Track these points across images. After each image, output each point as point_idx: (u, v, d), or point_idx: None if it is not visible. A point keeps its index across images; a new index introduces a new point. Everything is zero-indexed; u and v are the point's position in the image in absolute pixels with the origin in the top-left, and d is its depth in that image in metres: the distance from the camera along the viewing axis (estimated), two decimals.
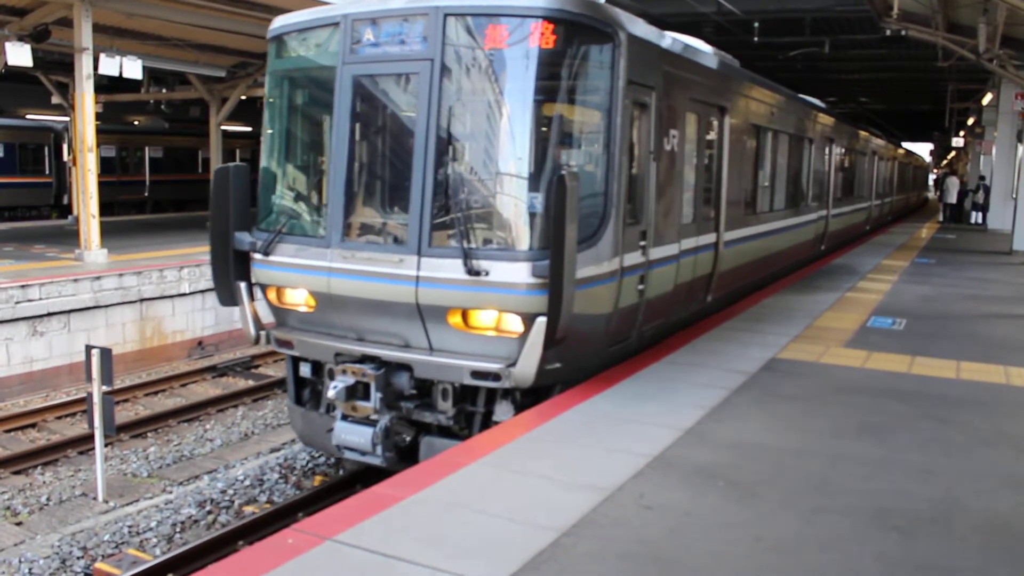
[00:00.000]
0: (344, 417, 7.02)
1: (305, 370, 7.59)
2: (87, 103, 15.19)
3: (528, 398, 6.73)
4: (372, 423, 6.86)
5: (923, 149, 63.77)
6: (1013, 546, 4.36)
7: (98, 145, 16.99)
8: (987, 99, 29.02)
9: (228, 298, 7.60)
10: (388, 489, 4.85)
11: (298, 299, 7.37)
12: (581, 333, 6.66)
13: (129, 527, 7.84)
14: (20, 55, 15.10)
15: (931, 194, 57.46)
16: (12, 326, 12.39)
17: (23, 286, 12.56)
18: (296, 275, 7.18)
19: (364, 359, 6.90)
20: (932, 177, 62.10)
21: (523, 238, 6.46)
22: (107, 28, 17.37)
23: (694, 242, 8.95)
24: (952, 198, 32.70)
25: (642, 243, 7.47)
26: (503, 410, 6.76)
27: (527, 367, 6.28)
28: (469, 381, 6.53)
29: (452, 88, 6.55)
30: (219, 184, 7.37)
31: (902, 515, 4.68)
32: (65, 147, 28.40)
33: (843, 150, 18.80)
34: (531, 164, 6.48)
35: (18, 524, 8.16)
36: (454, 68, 6.54)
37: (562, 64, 6.58)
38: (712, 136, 9.69)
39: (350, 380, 6.80)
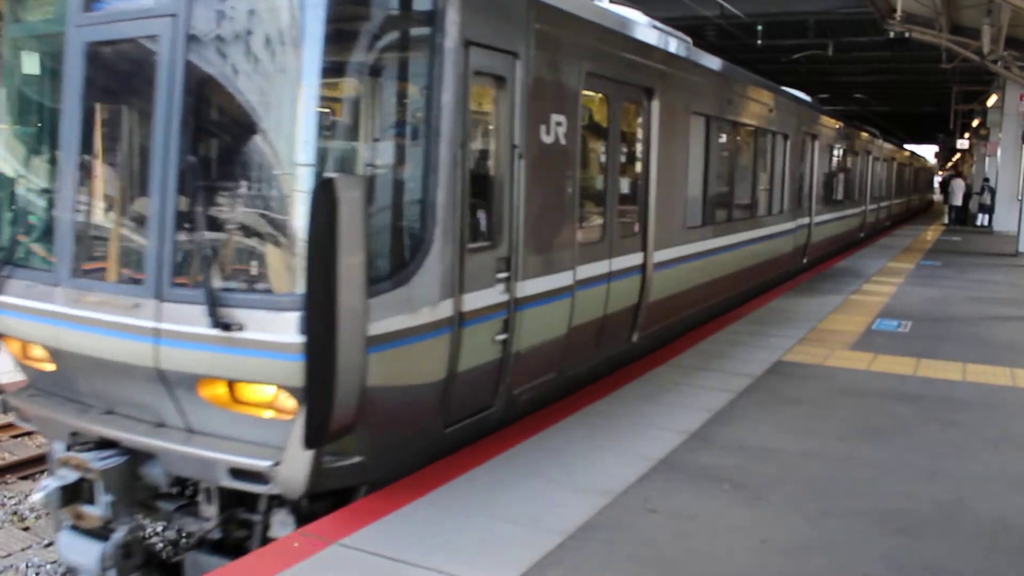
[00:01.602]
0: (73, 526, 5.09)
1: (59, 447, 5.35)
2: None
3: (322, 503, 4.84)
4: (106, 535, 4.94)
5: (928, 151, 63.78)
6: (1020, 548, 4.35)
7: None
8: (992, 101, 28.99)
9: None
10: (394, 493, 4.85)
11: (41, 354, 5.41)
12: (392, 412, 4.78)
13: None
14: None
15: (936, 196, 57.39)
16: None
17: None
18: (24, 322, 5.23)
19: (104, 443, 4.98)
20: (937, 179, 62.01)
21: (293, 276, 4.39)
22: None
23: (603, 267, 6.86)
24: (957, 200, 32.66)
25: (502, 275, 5.48)
26: (280, 522, 4.81)
27: (294, 467, 4.31)
28: (228, 482, 4.59)
29: (203, 56, 4.63)
30: None
31: (908, 517, 4.67)
32: None
33: (830, 149, 17.06)
34: (311, 165, 4.42)
35: (25, 529, 8.18)
36: (206, 27, 4.60)
37: (360, 17, 4.64)
38: (633, 127, 7.65)
39: (71, 476, 4.88)
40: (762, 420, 6.37)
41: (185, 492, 5.24)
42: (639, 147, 7.72)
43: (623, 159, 7.48)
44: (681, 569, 4.06)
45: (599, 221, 6.97)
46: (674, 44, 8.43)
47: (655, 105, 7.69)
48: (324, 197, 3.95)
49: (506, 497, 4.80)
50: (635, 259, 7.49)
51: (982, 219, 30.16)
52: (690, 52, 8.89)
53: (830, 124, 17.24)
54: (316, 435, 4.08)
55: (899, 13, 16.32)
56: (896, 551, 4.27)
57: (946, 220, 33.16)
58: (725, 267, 10.35)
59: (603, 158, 7.08)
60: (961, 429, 6.29)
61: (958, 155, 53.16)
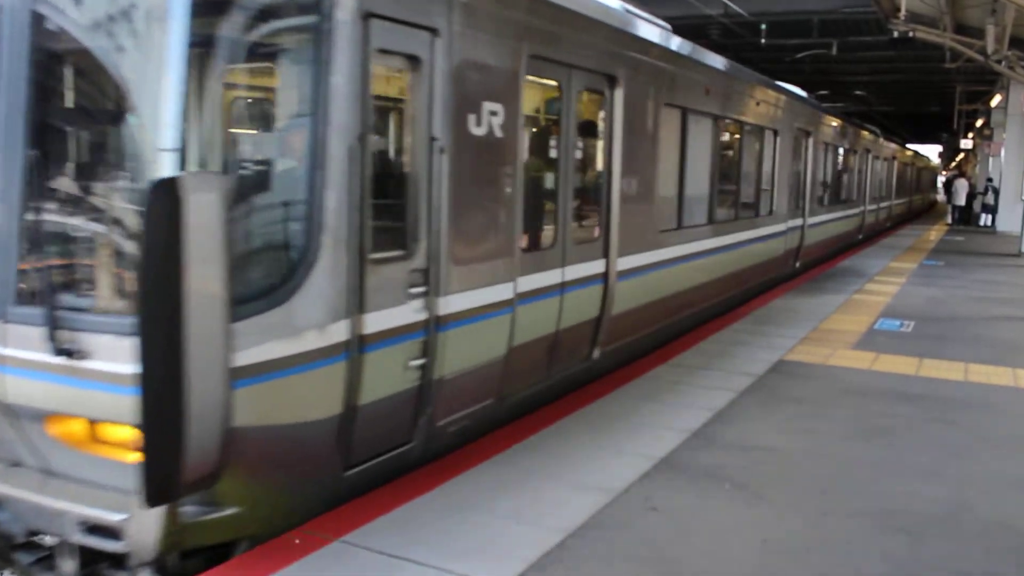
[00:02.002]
0: None
1: None
2: None
3: (199, 559, 4.11)
4: None
5: (932, 151, 63.78)
6: (1021, 548, 4.36)
7: None
8: (995, 101, 28.97)
9: None
10: (396, 490, 4.87)
11: None
12: (274, 455, 4.12)
13: None
14: None
15: (940, 196, 57.35)
16: None
17: None
18: None
19: None
20: (941, 179, 61.98)
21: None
22: None
23: (554, 277, 6.15)
24: (961, 200, 32.62)
25: (417, 289, 4.73)
26: None
27: (142, 523, 3.74)
28: (80, 538, 3.93)
29: (52, 30, 3.98)
30: None
31: (909, 517, 4.68)
32: None
33: (827, 147, 16.36)
34: (171, 162, 3.64)
35: None
36: None
37: None
38: (592, 119, 6.90)
39: None
40: (764, 419, 6.37)
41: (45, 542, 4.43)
42: (600, 142, 6.91)
43: (579, 155, 6.65)
44: (682, 568, 4.07)
45: (549, 225, 6.22)
46: (642, 27, 7.56)
47: (619, 95, 6.88)
48: (166, 200, 3.29)
49: (507, 495, 4.80)
50: (595, 267, 6.76)
51: (985, 219, 30.12)
52: (662, 37, 8.03)
53: (826, 121, 16.64)
54: (160, 489, 3.42)
55: (903, 12, 16.30)
56: (897, 551, 4.27)
57: (949, 220, 33.13)
58: (704, 274, 9.55)
59: (554, 154, 6.26)
60: (963, 429, 6.30)
61: (962, 155, 53.15)
